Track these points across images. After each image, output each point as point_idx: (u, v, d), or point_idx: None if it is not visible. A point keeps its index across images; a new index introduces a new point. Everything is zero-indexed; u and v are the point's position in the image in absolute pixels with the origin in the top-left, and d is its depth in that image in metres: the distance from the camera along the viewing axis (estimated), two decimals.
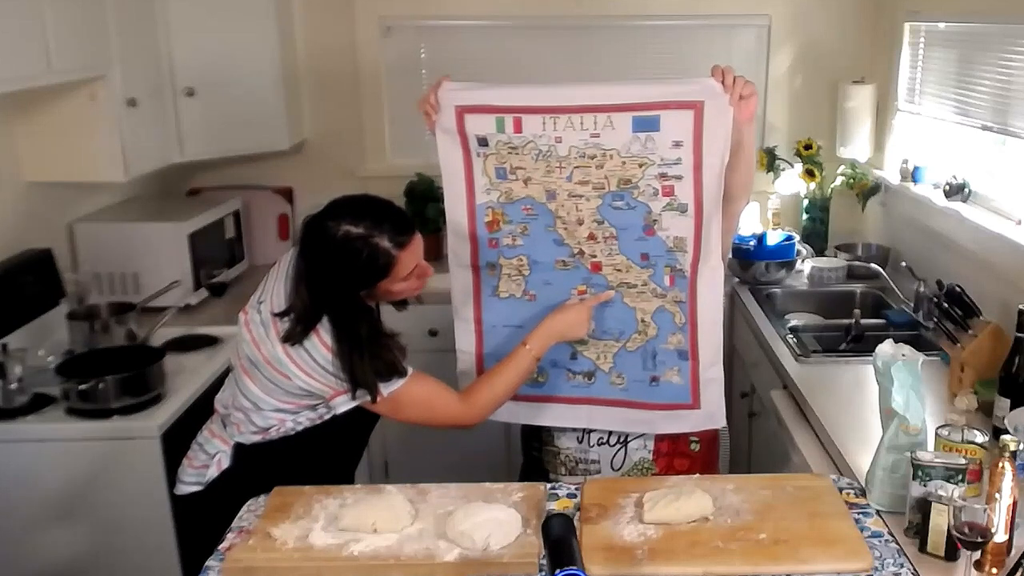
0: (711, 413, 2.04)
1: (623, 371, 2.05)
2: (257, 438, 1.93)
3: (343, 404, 1.88)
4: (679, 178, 1.87)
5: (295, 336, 1.81)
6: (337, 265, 1.80)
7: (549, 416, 2.12)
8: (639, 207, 1.91)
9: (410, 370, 1.91)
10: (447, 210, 2.04)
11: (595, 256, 1.97)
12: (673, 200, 1.89)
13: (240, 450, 1.95)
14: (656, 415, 2.05)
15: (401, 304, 2.05)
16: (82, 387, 2.34)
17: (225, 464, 1.96)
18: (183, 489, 2.01)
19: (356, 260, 1.80)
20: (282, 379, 1.84)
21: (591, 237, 1.95)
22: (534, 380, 2.08)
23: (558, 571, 1.29)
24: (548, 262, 2.00)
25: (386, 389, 1.86)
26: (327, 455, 1.97)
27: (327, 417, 1.91)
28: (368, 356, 1.82)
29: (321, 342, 1.82)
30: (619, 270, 1.97)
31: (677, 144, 1.84)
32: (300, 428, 1.92)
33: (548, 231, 1.98)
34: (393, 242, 1.81)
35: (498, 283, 2.05)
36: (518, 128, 1.90)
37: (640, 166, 1.87)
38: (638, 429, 2.09)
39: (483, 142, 1.93)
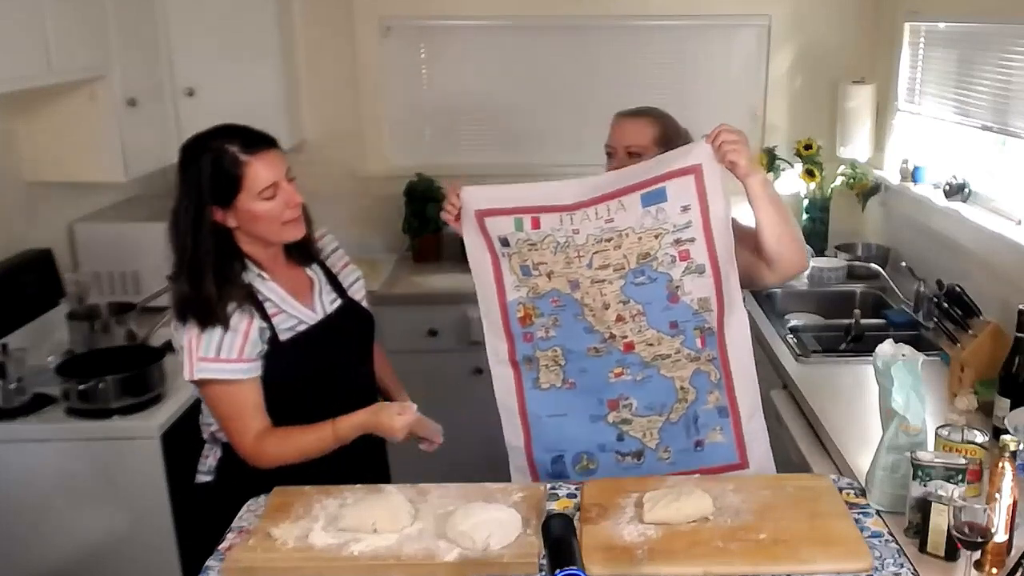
0: (760, 471, 1.99)
1: (669, 444, 2.00)
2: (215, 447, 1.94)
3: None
4: (692, 240, 1.89)
5: (176, 278, 1.80)
6: (188, 176, 1.79)
7: None
8: (660, 278, 1.92)
9: (239, 360, 1.81)
10: (481, 309, 2.02)
11: (626, 336, 1.96)
12: (691, 263, 1.90)
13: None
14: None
15: (302, 254, 1.96)
16: (82, 387, 2.34)
17: (219, 453, 1.96)
18: (199, 479, 2.01)
19: (203, 165, 1.78)
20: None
21: (619, 319, 1.95)
22: (584, 468, 2.03)
23: (558, 571, 1.29)
24: (581, 351, 1.99)
25: (199, 371, 1.80)
26: (329, 455, 1.96)
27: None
28: (200, 278, 1.77)
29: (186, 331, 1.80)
30: (651, 344, 1.96)
31: (685, 208, 1.87)
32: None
33: (577, 320, 1.97)
34: (242, 149, 1.79)
35: (538, 375, 2.03)
36: (536, 225, 1.92)
37: (656, 237, 1.89)
38: None
39: (504, 242, 1.95)
